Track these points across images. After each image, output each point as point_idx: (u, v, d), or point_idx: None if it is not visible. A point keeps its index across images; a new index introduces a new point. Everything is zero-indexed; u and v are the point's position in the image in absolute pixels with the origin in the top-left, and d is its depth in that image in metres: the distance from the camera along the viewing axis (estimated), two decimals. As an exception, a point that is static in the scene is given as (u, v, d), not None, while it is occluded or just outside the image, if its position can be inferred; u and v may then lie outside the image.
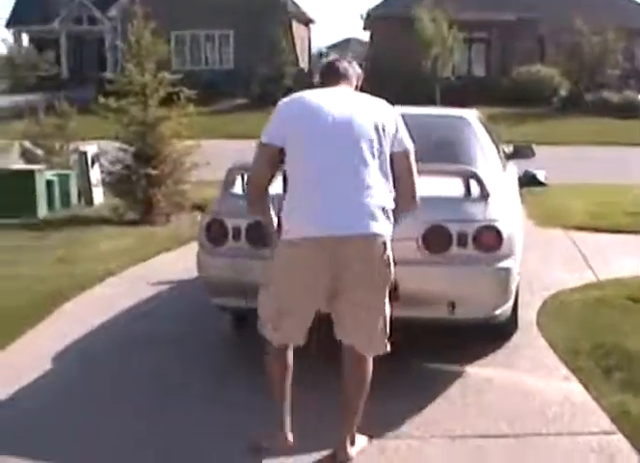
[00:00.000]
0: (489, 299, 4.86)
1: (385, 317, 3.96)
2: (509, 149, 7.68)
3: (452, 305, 4.78)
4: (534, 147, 8.05)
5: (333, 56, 4.88)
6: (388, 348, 4.00)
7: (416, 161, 5.15)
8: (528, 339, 5.72)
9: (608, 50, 30.65)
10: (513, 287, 5.00)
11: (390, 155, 3.86)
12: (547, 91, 30.67)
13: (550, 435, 4.22)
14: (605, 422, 4.34)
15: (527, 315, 6.15)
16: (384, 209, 3.75)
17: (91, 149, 13.96)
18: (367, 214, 3.70)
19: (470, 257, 4.76)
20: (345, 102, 3.88)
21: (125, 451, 4.12)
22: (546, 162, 16.04)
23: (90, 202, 13.80)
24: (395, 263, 4.71)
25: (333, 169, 3.73)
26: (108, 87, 12.00)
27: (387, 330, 3.98)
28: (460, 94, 26.91)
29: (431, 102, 24.88)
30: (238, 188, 5.22)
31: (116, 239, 9.88)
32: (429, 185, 5.01)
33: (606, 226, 10.08)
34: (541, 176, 14.98)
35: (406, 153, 3.93)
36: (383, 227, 3.76)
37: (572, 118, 27.84)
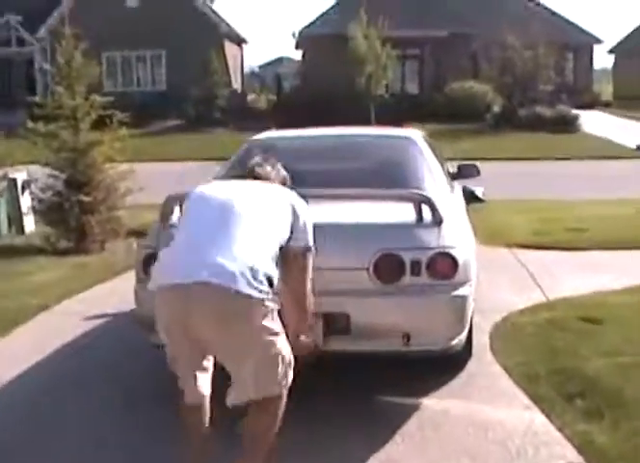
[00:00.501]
0: (445, 329, 4.65)
1: (272, 358, 3.58)
2: (453, 168, 7.52)
3: (407, 337, 4.56)
4: (479, 166, 7.86)
5: (256, 158, 4.79)
6: (281, 390, 3.64)
7: (362, 185, 5.03)
8: (483, 365, 5.54)
9: (540, 65, 30.91)
10: (469, 315, 4.81)
11: (286, 250, 3.73)
12: (481, 107, 30.86)
13: (517, 472, 4.02)
14: (572, 454, 4.17)
15: (480, 340, 5.96)
16: (252, 269, 3.43)
17: (20, 175, 13.46)
18: (225, 267, 3.42)
19: (425, 285, 4.54)
20: (239, 187, 3.87)
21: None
22: (483, 178, 16.09)
23: (21, 230, 13.29)
24: (345, 294, 4.57)
25: (202, 235, 3.59)
26: (37, 111, 11.59)
27: (279, 369, 3.60)
28: (394, 111, 26.94)
29: (366, 121, 24.81)
30: (175, 219, 4.94)
31: (48, 270, 9.47)
32: (378, 211, 4.84)
33: (550, 243, 9.98)
34: (479, 192, 14.90)
35: (304, 251, 3.84)
36: (249, 286, 3.41)
37: (506, 133, 28.02)
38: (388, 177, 5.63)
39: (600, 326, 6.25)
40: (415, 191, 4.71)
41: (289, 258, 3.80)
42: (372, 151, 6.19)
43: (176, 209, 4.92)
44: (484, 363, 5.58)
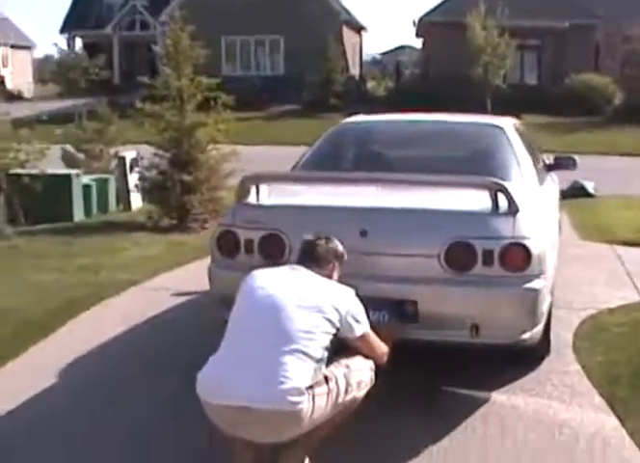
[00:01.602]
0: (515, 323, 4.50)
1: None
2: (550, 160, 7.29)
3: (475, 328, 4.43)
4: (577, 158, 7.59)
5: (309, 236, 4.87)
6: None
7: (446, 172, 4.93)
8: (562, 363, 5.35)
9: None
10: (543, 310, 4.63)
11: (344, 341, 3.85)
12: (601, 100, 29.95)
13: (578, 474, 3.86)
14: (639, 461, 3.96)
15: (563, 337, 5.79)
16: (293, 388, 3.51)
17: (129, 154, 13.78)
18: (266, 389, 3.52)
19: (496, 276, 4.40)
20: (286, 287, 3.84)
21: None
22: (596, 173, 15.64)
23: (128, 207, 13.63)
24: (415, 281, 4.48)
25: (246, 350, 3.68)
26: (146, 92, 11.82)
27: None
28: (511, 102, 26.37)
29: (482, 110, 24.39)
30: (252, 198, 4.94)
31: (145, 247, 9.67)
32: (454, 198, 4.72)
33: (656, 242, 9.57)
34: (590, 187, 14.55)
35: (358, 340, 3.89)
36: (291, 404, 3.51)
37: (625, 128, 27.08)
38: (473, 164, 5.51)
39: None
40: (492, 179, 4.55)
41: (351, 346, 3.91)
42: (460, 139, 6.07)
43: (253, 189, 4.92)
44: (563, 360, 5.39)
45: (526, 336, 4.53)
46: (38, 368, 5.46)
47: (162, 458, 4.13)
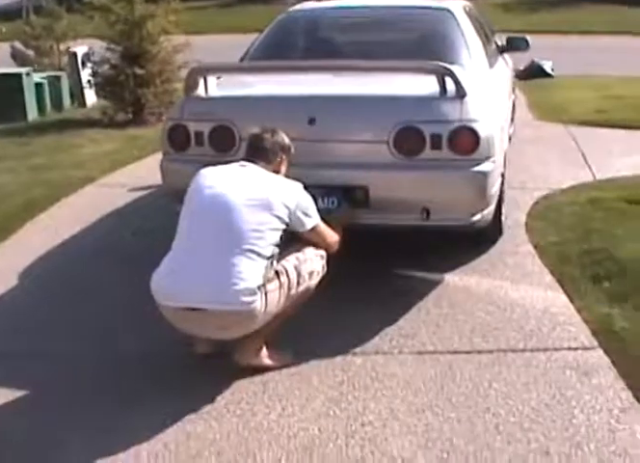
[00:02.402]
0: (465, 205, 4.54)
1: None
2: (502, 41, 7.25)
3: (426, 211, 4.47)
4: (529, 38, 7.54)
5: (256, 129, 4.66)
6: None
7: (394, 58, 4.89)
8: (515, 244, 5.44)
9: None
10: (492, 192, 4.68)
11: (296, 234, 3.91)
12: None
13: (526, 351, 3.96)
14: (585, 337, 4.08)
15: (516, 217, 5.90)
16: (247, 288, 3.56)
17: (81, 49, 13.51)
18: (219, 289, 3.58)
19: (445, 160, 4.42)
20: (234, 187, 3.82)
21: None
22: (556, 52, 15.60)
23: (82, 104, 13.44)
24: (365, 167, 4.50)
25: (197, 250, 3.70)
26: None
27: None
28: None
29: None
30: (201, 91, 4.88)
31: (101, 143, 9.59)
32: (401, 84, 4.70)
33: (612, 121, 9.62)
34: (547, 67, 14.51)
35: (309, 233, 3.95)
36: (243, 304, 3.57)
37: (581, 6, 26.86)
38: (422, 49, 5.45)
39: (645, 208, 6.05)
40: (439, 63, 4.51)
41: (303, 239, 3.95)
42: (408, 23, 5.99)
43: (201, 82, 4.86)
44: (516, 242, 5.48)
45: (476, 218, 4.58)
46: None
47: (126, 348, 4.19)
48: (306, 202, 3.92)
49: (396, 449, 3.19)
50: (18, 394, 3.78)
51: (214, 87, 4.93)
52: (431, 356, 3.95)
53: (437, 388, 3.64)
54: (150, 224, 6.16)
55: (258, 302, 3.57)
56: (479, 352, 3.97)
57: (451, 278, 4.89)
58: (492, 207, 4.78)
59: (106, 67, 11.54)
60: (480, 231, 4.89)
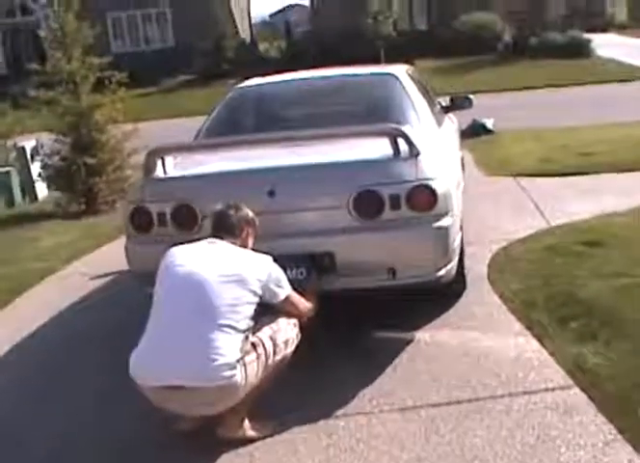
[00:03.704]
0: (429, 261, 4.64)
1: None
2: (446, 101, 7.45)
3: (392, 271, 4.57)
4: (472, 96, 7.76)
5: (219, 206, 4.87)
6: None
7: (345, 124, 5.03)
8: (479, 295, 5.53)
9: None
10: (455, 246, 4.79)
11: (270, 304, 3.97)
12: (491, 38, 30.34)
13: (505, 396, 4.04)
14: (561, 377, 4.17)
15: (478, 270, 5.98)
16: (225, 363, 3.62)
17: (29, 143, 13.53)
18: (197, 368, 3.63)
19: (405, 219, 4.52)
20: (204, 259, 3.92)
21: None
22: (494, 110, 15.96)
23: (34, 198, 13.41)
24: (329, 233, 4.59)
25: (172, 330, 3.75)
26: (37, 78, 11.60)
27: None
28: (404, 48, 26.64)
29: (375, 61, 24.55)
30: (159, 172, 4.96)
31: (58, 235, 9.56)
32: (355, 149, 4.82)
33: (557, 169, 9.84)
34: (489, 124, 14.82)
35: (283, 303, 4.03)
36: (223, 379, 3.62)
37: (517, 63, 27.58)
38: (370, 114, 5.62)
39: (602, 249, 6.19)
40: (390, 125, 4.66)
41: (276, 308, 4.03)
42: (355, 90, 6.16)
43: (159, 163, 4.94)
44: (480, 293, 5.57)
45: (441, 273, 4.68)
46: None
47: (109, 433, 4.17)
48: (277, 273, 3.98)
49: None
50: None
51: (172, 167, 5.01)
52: (412, 411, 3.99)
53: (422, 441, 3.68)
54: (115, 308, 6.17)
55: (239, 375, 3.60)
56: (459, 402, 4.02)
57: (423, 334, 4.96)
58: (455, 262, 4.88)
59: (56, 158, 11.57)
60: (446, 285, 4.98)
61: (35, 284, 7.32)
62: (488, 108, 15.74)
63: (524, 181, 9.34)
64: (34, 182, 13.26)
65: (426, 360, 4.58)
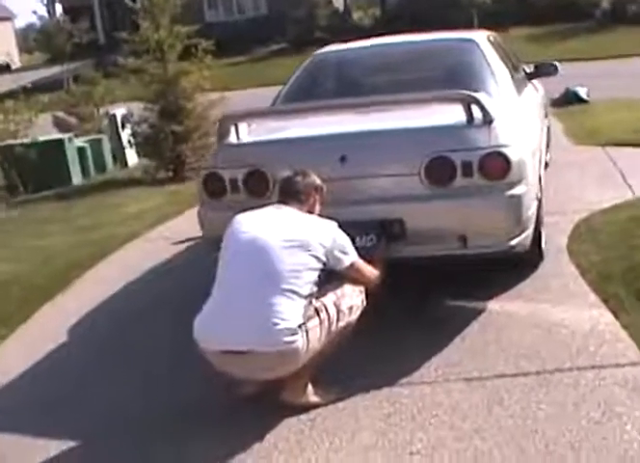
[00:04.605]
0: (501, 230, 4.54)
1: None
2: (530, 68, 7.27)
3: (463, 239, 4.49)
4: (558, 63, 7.55)
5: (287, 172, 4.80)
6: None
7: (422, 91, 4.95)
8: (557, 266, 5.40)
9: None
10: (528, 215, 4.67)
11: (335, 271, 3.94)
12: (588, 4, 29.52)
13: (573, 370, 3.93)
14: (633, 353, 4.04)
15: (558, 241, 5.85)
16: (287, 328, 3.60)
17: (119, 111, 13.79)
18: (261, 333, 3.62)
19: (477, 187, 4.43)
20: (269, 225, 3.92)
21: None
22: (589, 79, 15.57)
23: (124, 164, 13.68)
24: (399, 200, 4.54)
25: (237, 294, 3.76)
26: (126, 47, 11.80)
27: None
28: (498, 16, 26.13)
29: (470, 28, 24.12)
30: (232, 138, 4.97)
31: (143, 201, 9.74)
32: (427, 114, 4.75)
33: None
34: (582, 93, 14.45)
35: (349, 269, 3.97)
36: (285, 344, 3.61)
37: (615, 31, 26.76)
38: (448, 80, 5.50)
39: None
40: (463, 91, 4.56)
41: (342, 275, 3.98)
42: (434, 56, 6.05)
43: (232, 129, 4.95)
44: (558, 264, 5.44)
45: (514, 242, 4.57)
46: (46, 330, 5.56)
47: (174, 394, 4.24)
48: (342, 239, 3.95)
49: (445, 476, 3.17)
50: (68, 445, 3.85)
51: (245, 133, 5.02)
52: (477, 382, 3.93)
53: (484, 413, 3.62)
54: (194, 272, 6.23)
55: (300, 341, 3.60)
56: (525, 375, 3.94)
57: (494, 304, 4.87)
58: (529, 231, 4.77)
59: (145, 126, 11.77)
60: (520, 256, 4.88)
61: (119, 248, 7.45)
62: (582, 76, 15.42)
63: (613, 151, 9.07)
64: (124, 149, 13.54)
65: (496, 330, 4.50)
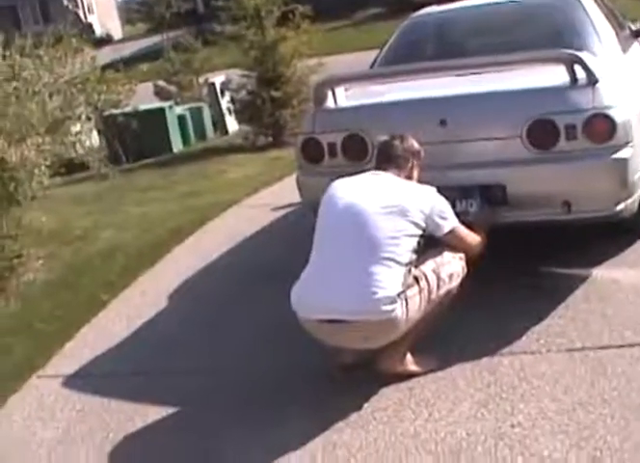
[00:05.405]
0: (607, 194, 4.37)
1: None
2: (636, 26, 6.97)
3: (567, 204, 4.34)
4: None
5: (385, 137, 4.67)
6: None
7: (519, 50, 4.79)
8: (666, 233, 5.19)
9: None
10: (635, 179, 4.48)
11: (435, 238, 3.85)
12: None
13: (682, 341, 3.78)
14: None
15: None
16: (386, 296, 3.53)
17: (218, 79, 13.90)
18: (359, 302, 3.57)
19: (581, 150, 4.27)
20: (367, 191, 3.84)
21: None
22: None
23: (224, 131, 13.79)
24: (500, 164, 4.41)
25: (334, 262, 3.71)
26: (223, 14, 11.86)
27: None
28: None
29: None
30: (330, 102, 4.91)
31: (243, 167, 9.80)
32: (529, 76, 4.60)
33: None
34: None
35: (448, 235, 3.88)
36: (382, 313, 3.54)
37: None
38: (550, 38, 5.30)
39: None
40: (566, 51, 4.39)
41: (442, 241, 3.89)
42: (534, 15, 5.83)
43: (329, 94, 4.89)
44: (668, 230, 5.23)
45: (620, 207, 4.39)
46: (149, 294, 5.67)
47: (273, 362, 4.25)
48: (442, 205, 3.86)
49: (547, 450, 3.09)
50: (172, 410, 3.91)
51: (343, 97, 4.95)
52: (580, 353, 3.81)
53: (587, 385, 3.51)
54: (294, 239, 6.22)
55: (399, 309, 3.54)
56: (631, 346, 3.80)
57: (598, 272, 4.70)
58: (636, 196, 4.58)
59: (244, 93, 11.82)
60: (626, 221, 4.69)
61: (219, 215, 7.51)
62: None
63: None
64: (224, 117, 13.65)
65: (601, 299, 4.35)
